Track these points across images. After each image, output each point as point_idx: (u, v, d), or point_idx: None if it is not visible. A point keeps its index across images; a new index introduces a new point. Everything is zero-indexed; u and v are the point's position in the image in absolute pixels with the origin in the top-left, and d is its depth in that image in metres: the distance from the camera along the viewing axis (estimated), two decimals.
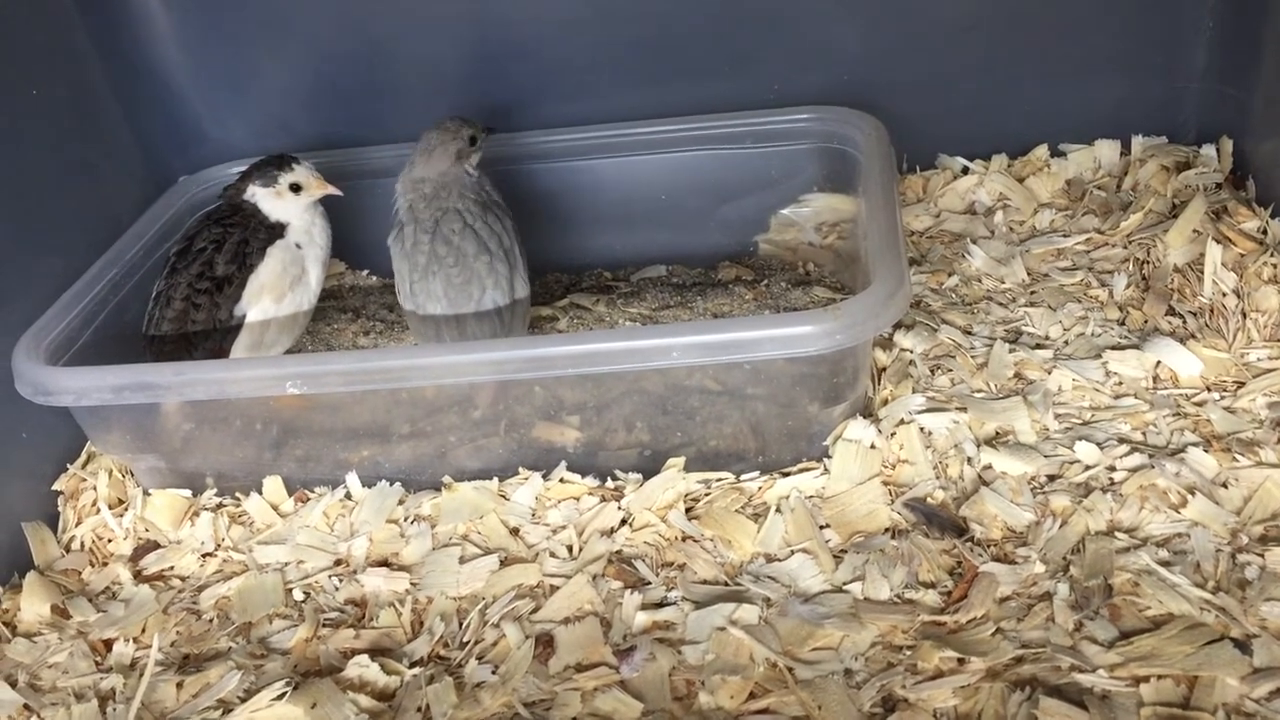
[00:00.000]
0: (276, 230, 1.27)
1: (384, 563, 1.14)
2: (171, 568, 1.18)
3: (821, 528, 1.09)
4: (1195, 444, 1.11)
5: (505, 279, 1.22)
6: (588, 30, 1.49)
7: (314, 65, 1.53)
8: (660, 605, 1.04)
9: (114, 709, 1.02)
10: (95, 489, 1.27)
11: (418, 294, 1.22)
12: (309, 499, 1.22)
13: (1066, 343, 1.26)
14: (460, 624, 1.06)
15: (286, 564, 1.15)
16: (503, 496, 1.18)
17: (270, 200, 1.27)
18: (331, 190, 1.29)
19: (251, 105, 1.56)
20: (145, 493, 1.25)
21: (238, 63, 1.54)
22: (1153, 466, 1.08)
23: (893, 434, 1.16)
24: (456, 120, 1.26)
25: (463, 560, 1.12)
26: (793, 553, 1.07)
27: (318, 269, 1.30)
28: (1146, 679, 0.90)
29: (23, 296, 1.25)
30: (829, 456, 1.15)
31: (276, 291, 1.25)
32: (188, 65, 1.53)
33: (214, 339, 1.22)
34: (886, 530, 1.08)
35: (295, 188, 1.27)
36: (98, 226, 1.39)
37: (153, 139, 1.54)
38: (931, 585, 1.02)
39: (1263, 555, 0.99)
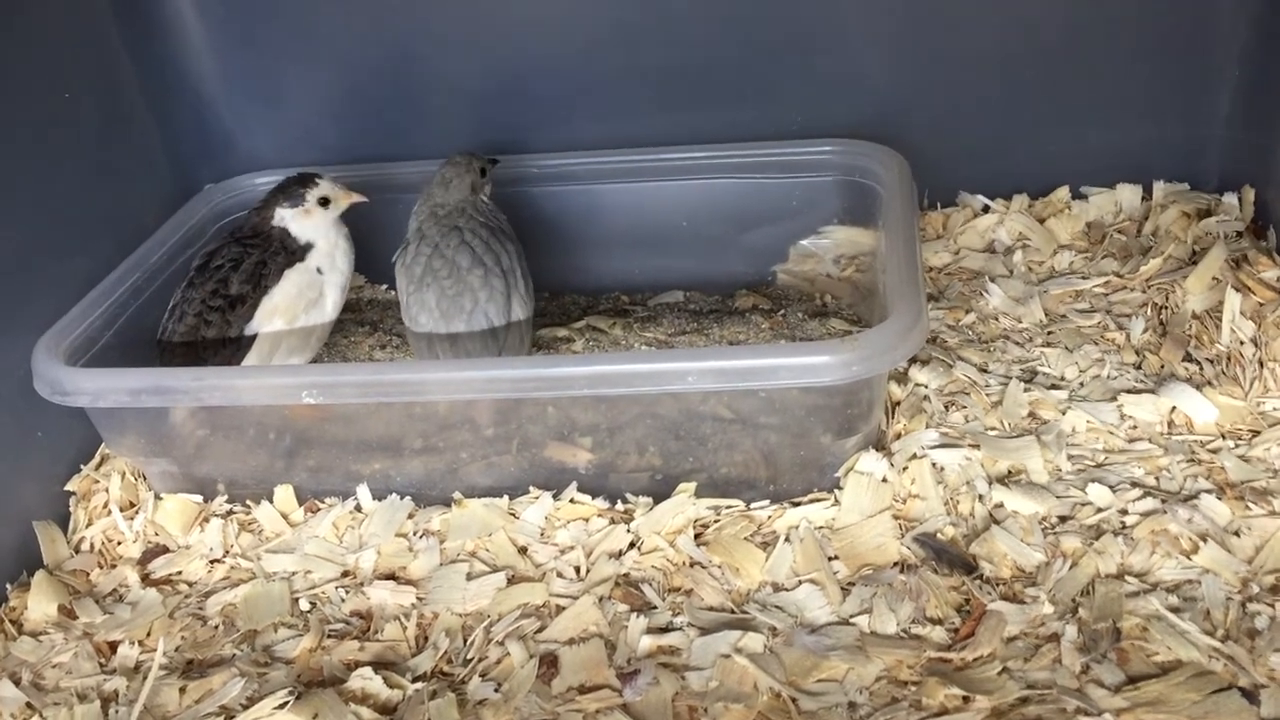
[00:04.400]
0: (297, 254, 1.28)
1: (391, 576, 1.14)
2: (179, 572, 1.18)
3: (830, 559, 1.09)
4: (1208, 491, 1.10)
5: (501, 294, 1.22)
6: (614, 54, 1.50)
7: (343, 79, 1.55)
8: (666, 630, 1.04)
9: (116, 711, 1.02)
10: (107, 491, 1.27)
11: (412, 306, 1.23)
12: (319, 509, 1.23)
13: (1082, 384, 1.26)
14: (465, 640, 1.06)
15: (294, 573, 1.15)
16: (512, 515, 1.18)
17: (300, 220, 1.28)
18: (358, 199, 1.30)
19: (280, 116, 1.58)
20: (157, 496, 1.25)
21: (268, 74, 1.56)
22: (1165, 512, 1.08)
23: (905, 468, 1.16)
24: (466, 155, 1.32)
25: (470, 577, 1.12)
26: (800, 583, 1.07)
27: (336, 294, 1.31)
28: None
29: (46, 297, 1.26)
30: (840, 488, 1.15)
31: (290, 314, 1.26)
32: (219, 75, 1.55)
33: (223, 355, 1.22)
34: (895, 564, 1.08)
35: (324, 201, 1.29)
36: (123, 231, 1.40)
37: (181, 146, 1.56)
38: (939, 621, 1.01)
39: (1273, 605, 0.98)
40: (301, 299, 1.26)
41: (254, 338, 1.24)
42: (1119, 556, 1.05)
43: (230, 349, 1.23)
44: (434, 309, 1.22)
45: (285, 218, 1.28)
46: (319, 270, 1.28)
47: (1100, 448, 1.18)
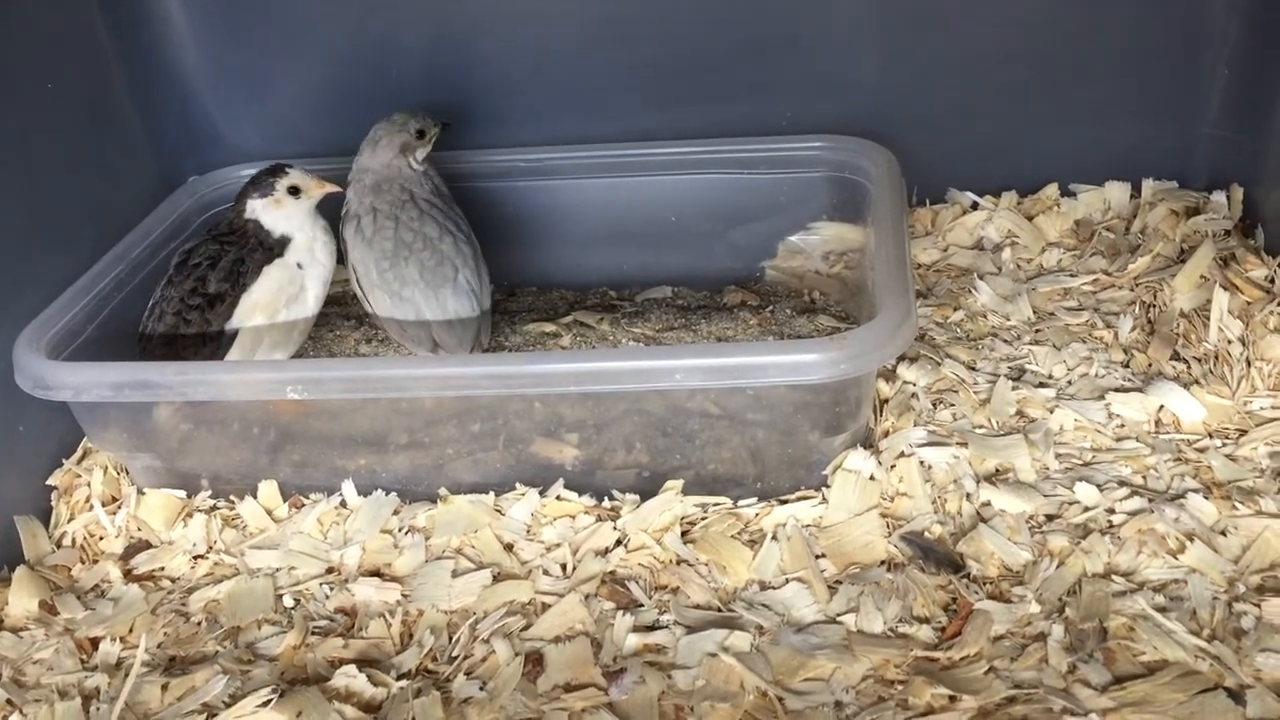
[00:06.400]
0: (276, 250, 1.26)
1: (376, 573, 1.13)
2: (162, 568, 1.17)
3: (817, 557, 1.09)
4: (1195, 490, 1.10)
5: (472, 259, 1.28)
6: (605, 49, 1.49)
7: (329, 72, 1.54)
8: (652, 628, 1.03)
9: (97, 708, 1.01)
10: (89, 485, 1.26)
11: (391, 281, 1.25)
12: (303, 505, 1.22)
13: (1070, 383, 1.26)
14: (450, 638, 1.05)
15: (278, 569, 1.15)
16: (498, 511, 1.17)
17: (271, 212, 1.26)
18: (330, 188, 1.28)
19: (265, 109, 1.56)
20: (139, 491, 1.24)
21: (253, 66, 1.54)
22: (1152, 511, 1.08)
23: (892, 466, 1.15)
24: (404, 114, 1.31)
25: (455, 574, 1.11)
26: (787, 581, 1.07)
27: (318, 287, 1.29)
28: None
29: (27, 290, 1.25)
30: (828, 486, 1.15)
31: (270, 310, 1.24)
32: (204, 67, 1.54)
33: (204, 353, 1.21)
34: (883, 563, 1.08)
35: (294, 190, 1.26)
36: (106, 223, 1.39)
37: (166, 138, 1.54)
38: (926, 620, 1.01)
39: (1259, 605, 0.98)
40: (282, 295, 1.25)
41: (235, 334, 1.23)
42: (1106, 556, 1.05)
43: (211, 346, 1.21)
44: (419, 281, 1.24)
45: (256, 209, 1.26)
46: (299, 265, 1.27)
47: (1088, 446, 1.18)
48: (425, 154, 1.30)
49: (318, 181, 1.28)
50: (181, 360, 1.19)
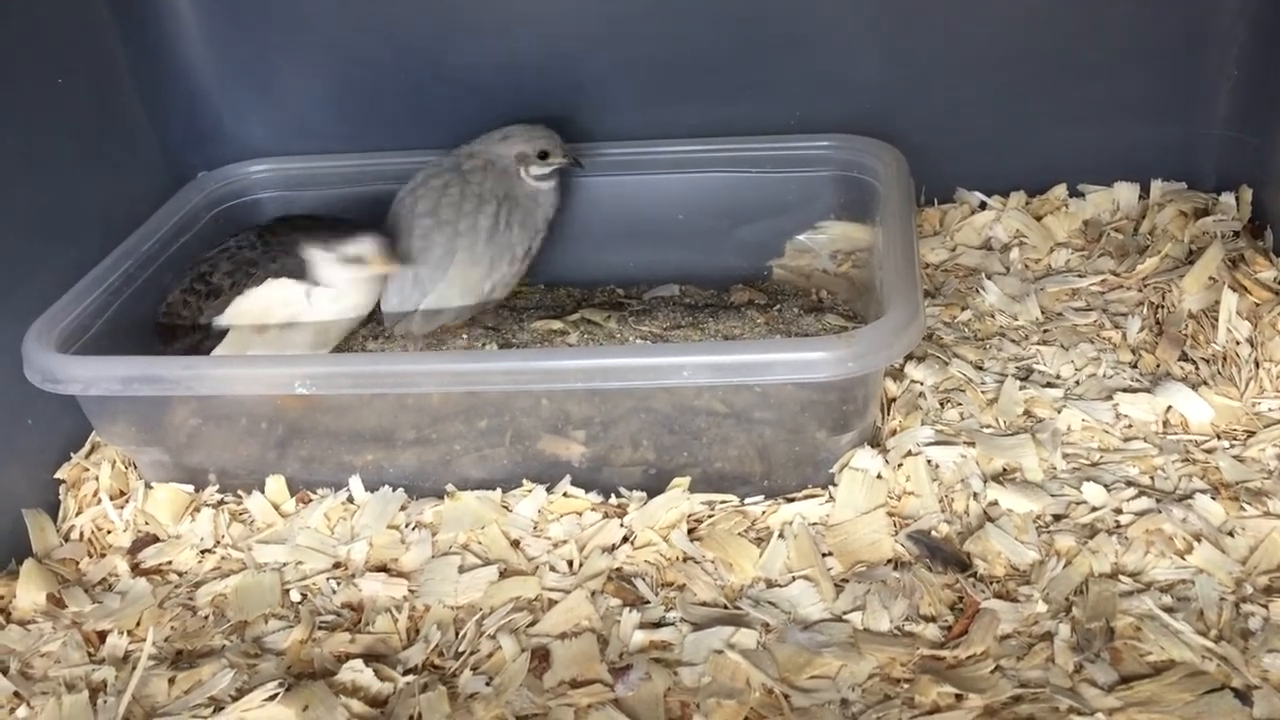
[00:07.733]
0: (296, 270, 1.22)
1: (383, 568, 1.13)
2: (169, 562, 1.17)
3: (824, 555, 1.09)
4: (1203, 491, 1.10)
5: (440, 250, 1.30)
6: (613, 48, 1.49)
7: (338, 68, 1.54)
8: (658, 625, 1.03)
9: (104, 701, 1.01)
10: (97, 479, 1.26)
11: (420, 228, 1.32)
12: (311, 500, 1.22)
13: (1078, 383, 1.26)
14: (456, 634, 1.05)
15: (285, 564, 1.15)
16: (505, 508, 1.17)
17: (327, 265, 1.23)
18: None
19: (274, 105, 1.56)
20: (147, 485, 1.24)
21: (261, 62, 1.54)
22: (1159, 511, 1.08)
23: (899, 465, 1.15)
24: (545, 131, 1.36)
25: (462, 570, 1.11)
26: (794, 579, 1.07)
27: (325, 329, 1.25)
28: None
29: (36, 284, 1.25)
30: (834, 484, 1.15)
31: (260, 321, 1.23)
32: (212, 62, 1.54)
33: (190, 341, 1.21)
34: (889, 561, 1.08)
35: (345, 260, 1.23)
36: (114, 219, 1.39)
37: (174, 134, 1.55)
38: (932, 619, 1.01)
39: (1266, 606, 0.98)
40: (274, 313, 1.23)
41: (224, 332, 1.22)
42: (1113, 556, 1.05)
43: (197, 336, 1.21)
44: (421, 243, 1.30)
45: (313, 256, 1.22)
46: (307, 296, 1.23)
47: (1095, 446, 1.18)
48: (537, 174, 1.35)
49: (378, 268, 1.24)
50: (170, 345, 1.19)
